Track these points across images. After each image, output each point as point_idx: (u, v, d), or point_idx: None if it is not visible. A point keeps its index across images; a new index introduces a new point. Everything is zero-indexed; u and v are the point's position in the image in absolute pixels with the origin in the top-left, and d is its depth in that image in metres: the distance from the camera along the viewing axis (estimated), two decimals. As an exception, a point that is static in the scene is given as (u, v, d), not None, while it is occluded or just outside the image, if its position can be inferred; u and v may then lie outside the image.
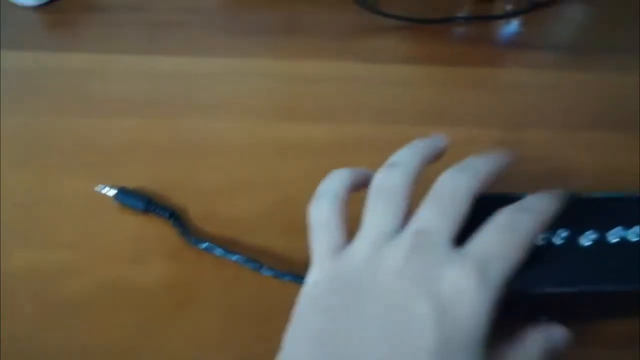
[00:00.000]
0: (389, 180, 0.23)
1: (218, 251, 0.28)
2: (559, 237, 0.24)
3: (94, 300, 0.27)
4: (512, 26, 0.45)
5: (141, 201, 0.30)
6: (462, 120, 0.37)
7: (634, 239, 0.24)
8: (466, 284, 0.20)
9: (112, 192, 0.31)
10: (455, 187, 0.23)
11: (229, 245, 0.29)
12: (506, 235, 0.21)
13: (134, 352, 0.26)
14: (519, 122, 0.37)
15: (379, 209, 0.23)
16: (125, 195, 0.31)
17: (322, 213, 0.23)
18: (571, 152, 0.35)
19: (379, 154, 0.35)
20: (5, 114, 0.35)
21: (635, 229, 0.24)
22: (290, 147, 0.34)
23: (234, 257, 0.28)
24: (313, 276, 0.23)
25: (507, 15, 0.45)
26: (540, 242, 0.24)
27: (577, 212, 0.24)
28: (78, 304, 0.27)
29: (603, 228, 0.24)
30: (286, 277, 0.27)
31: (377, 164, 0.34)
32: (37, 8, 0.42)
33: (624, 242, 0.24)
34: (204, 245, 0.29)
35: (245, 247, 0.29)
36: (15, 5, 0.42)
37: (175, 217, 0.30)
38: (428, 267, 0.20)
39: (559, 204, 0.23)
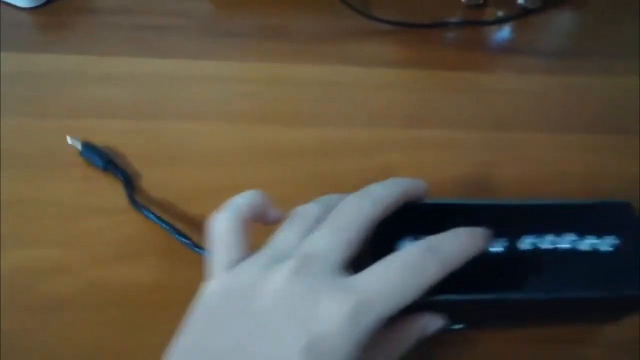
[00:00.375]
0: (308, 209, 0.23)
1: (152, 217, 0.30)
2: None
3: (81, 299, 0.27)
4: (503, 32, 0.45)
5: (102, 159, 0.32)
6: (452, 124, 0.37)
7: (545, 247, 0.23)
8: (339, 321, 0.19)
9: (79, 145, 0.33)
10: (352, 213, 0.22)
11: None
12: (403, 276, 0.20)
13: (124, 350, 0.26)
14: (508, 126, 0.37)
15: (285, 230, 0.23)
16: (90, 150, 0.33)
17: (221, 226, 0.23)
18: (560, 156, 0.35)
19: (367, 158, 0.35)
20: (3, 115, 0.35)
21: (549, 237, 0.24)
22: (278, 151, 0.34)
23: (166, 226, 0.30)
24: (205, 290, 0.22)
25: (498, 21, 0.45)
26: None
27: (490, 219, 0.24)
28: (65, 302, 0.27)
29: (514, 236, 0.24)
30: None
31: (364, 168, 0.34)
32: (31, 10, 0.42)
33: (536, 249, 0.23)
34: (145, 211, 0.30)
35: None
36: (10, 7, 0.42)
37: (128, 179, 0.32)
38: (307, 295, 0.20)
39: (478, 246, 0.22)
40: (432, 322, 0.23)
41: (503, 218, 0.24)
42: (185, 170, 0.33)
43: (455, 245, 0.21)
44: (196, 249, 0.29)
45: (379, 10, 0.44)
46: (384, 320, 0.19)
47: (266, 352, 0.19)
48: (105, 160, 0.32)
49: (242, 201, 0.24)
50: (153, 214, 0.30)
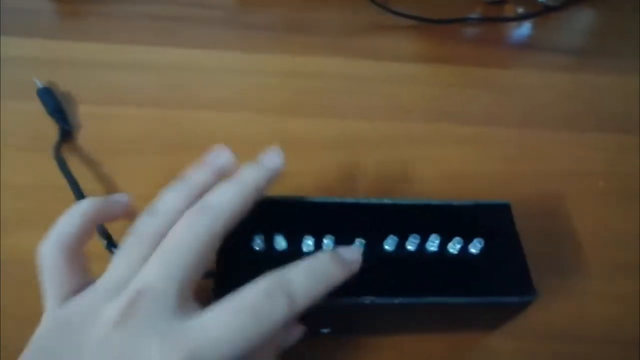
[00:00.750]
0: (145, 225, 0.20)
1: (65, 170, 0.30)
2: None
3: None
4: (523, 29, 0.45)
5: (52, 106, 0.34)
6: (471, 119, 0.37)
7: (411, 248, 0.23)
8: None
9: (39, 84, 0.35)
10: (186, 237, 0.19)
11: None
12: (244, 321, 0.18)
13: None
14: (527, 122, 0.37)
15: (124, 256, 0.20)
16: (46, 94, 0.35)
17: (48, 257, 0.20)
18: (579, 153, 0.35)
19: (387, 151, 0.35)
20: (13, 100, 0.35)
21: (414, 239, 0.23)
22: (297, 142, 0.35)
23: (73, 186, 0.29)
24: (39, 326, 0.20)
25: (519, 18, 0.45)
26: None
27: (356, 218, 0.23)
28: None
29: (378, 237, 0.23)
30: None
31: (383, 160, 0.34)
32: (53, -4, 0.43)
33: (401, 251, 0.22)
34: (61, 163, 0.30)
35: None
36: (31, -6, 0.42)
37: (66, 134, 0.33)
38: (134, 343, 0.17)
39: (339, 277, 0.20)
40: (289, 337, 0.22)
41: (369, 218, 0.23)
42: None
43: (310, 279, 0.19)
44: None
45: (401, 5, 0.44)
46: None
47: None
48: (55, 108, 0.34)
49: (64, 228, 0.21)
50: (67, 169, 0.30)
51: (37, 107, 0.35)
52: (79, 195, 0.29)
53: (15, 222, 0.30)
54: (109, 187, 0.31)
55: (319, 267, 0.20)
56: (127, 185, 0.32)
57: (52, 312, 0.19)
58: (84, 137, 0.34)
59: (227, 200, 0.20)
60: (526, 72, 0.41)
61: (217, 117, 0.36)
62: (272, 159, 0.23)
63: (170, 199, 0.21)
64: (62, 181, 0.30)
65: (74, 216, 0.21)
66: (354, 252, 0.21)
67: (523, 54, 0.43)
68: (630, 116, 0.38)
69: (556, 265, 0.30)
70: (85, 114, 0.35)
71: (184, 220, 0.20)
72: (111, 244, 0.26)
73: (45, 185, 0.31)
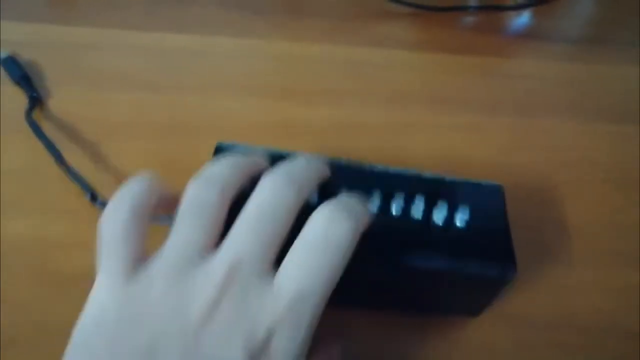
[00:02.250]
0: (204, 195, 0.20)
1: (43, 137, 0.31)
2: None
3: (94, 272, 0.27)
4: (523, 17, 0.44)
5: (18, 73, 0.34)
6: (469, 107, 0.37)
7: (395, 214, 0.23)
8: (279, 330, 0.17)
9: (2, 55, 0.35)
10: (277, 204, 0.19)
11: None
12: (320, 258, 0.18)
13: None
14: (527, 112, 0.37)
15: (186, 224, 0.19)
16: (10, 63, 0.35)
17: (118, 222, 0.19)
18: (577, 142, 0.35)
19: (384, 138, 0.35)
20: (5, 85, 0.35)
21: (399, 202, 0.23)
22: (293, 127, 0.34)
23: (54, 151, 0.30)
24: (101, 296, 0.18)
25: (518, 7, 0.45)
26: None
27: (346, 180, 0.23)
28: (80, 276, 0.27)
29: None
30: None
31: (381, 147, 0.34)
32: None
33: (385, 216, 0.23)
34: (36, 128, 0.31)
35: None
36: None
37: (35, 99, 0.33)
38: (240, 308, 0.17)
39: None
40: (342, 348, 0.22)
41: (356, 180, 0.24)
42: (199, 141, 0.33)
43: (357, 204, 0.20)
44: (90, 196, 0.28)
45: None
46: (321, 310, 0.18)
47: None
48: (20, 76, 0.34)
49: (138, 189, 0.20)
50: (44, 135, 0.30)
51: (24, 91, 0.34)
52: (58, 156, 0.29)
53: (10, 207, 0.29)
54: (100, 172, 0.31)
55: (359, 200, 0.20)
56: (119, 169, 0.31)
57: (118, 285, 0.18)
58: (74, 121, 0.33)
59: (309, 176, 0.21)
60: (524, 60, 0.41)
61: (210, 102, 0.35)
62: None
63: (220, 169, 0.21)
64: (52, 166, 0.30)
65: (145, 179, 0.20)
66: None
67: (522, 43, 0.42)
68: (629, 106, 0.38)
69: (550, 254, 0.29)
70: (74, 98, 0.34)
71: (272, 185, 0.20)
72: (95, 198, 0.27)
73: (34, 168, 0.31)
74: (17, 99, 0.34)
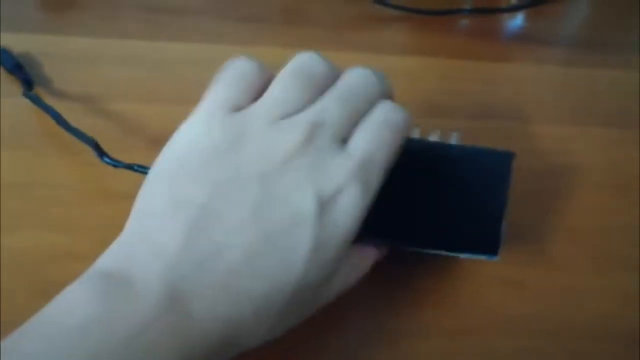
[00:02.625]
0: (314, 66, 0.23)
1: (43, 105, 0.31)
2: None
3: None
4: (517, 20, 0.44)
5: (8, 64, 0.35)
6: (466, 112, 0.36)
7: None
8: (349, 186, 0.20)
9: None
10: (364, 87, 0.23)
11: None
12: (384, 133, 0.22)
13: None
14: (522, 116, 0.36)
15: (290, 85, 0.22)
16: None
17: (240, 67, 0.23)
18: (577, 148, 0.35)
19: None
20: (4, 96, 0.34)
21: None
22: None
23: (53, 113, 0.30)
24: (198, 122, 0.22)
25: (513, 9, 0.44)
26: None
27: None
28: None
29: None
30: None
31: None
32: (35, -10, 0.42)
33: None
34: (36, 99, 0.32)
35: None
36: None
37: (30, 83, 0.34)
38: (317, 161, 0.20)
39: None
40: (380, 250, 0.25)
41: None
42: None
43: (399, 112, 0.23)
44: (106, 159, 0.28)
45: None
46: (382, 179, 0.21)
47: (278, 218, 0.19)
48: (14, 65, 0.35)
49: (257, 63, 0.24)
50: (43, 102, 0.31)
51: (19, 102, 0.34)
52: (59, 118, 0.30)
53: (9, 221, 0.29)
54: (95, 185, 0.31)
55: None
56: (114, 182, 0.31)
57: (217, 116, 0.21)
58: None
59: (382, 79, 0.25)
60: (520, 65, 0.40)
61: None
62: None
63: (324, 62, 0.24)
64: (52, 179, 0.30)
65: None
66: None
67: (516, 47, 0.42)
68: (626, 110, 0.37)
69: (548, 259, 0.29)
70: (70, 109, 0.34)
71: (362, 72, 0.23)
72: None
73: (33, 183, 0.30)
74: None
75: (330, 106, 0.22)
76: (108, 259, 0.20)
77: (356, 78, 0.23)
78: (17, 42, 0.37)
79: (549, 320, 0.27)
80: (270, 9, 0.42)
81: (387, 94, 0.24)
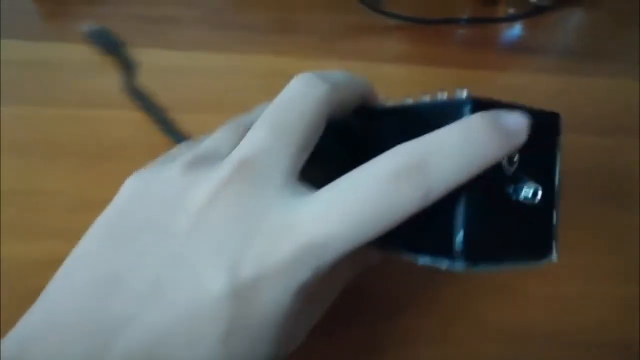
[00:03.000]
0: (253, 114, 0.18)
1: (145, 103, 0.31)
2: None
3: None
4: (515, 30, 0.44)
5: (108, 44, 0.35)
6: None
7: None
8: (278, 264, 0.14)
9: (91, 28, 0.36)
10: (302, 97, 0.16)
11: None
12: (364, 216, 0.14)
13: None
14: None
15: (217, 132, 0.19)
16: (100, 33, 0.36)
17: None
18: (572, 157, 0.35)
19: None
20: (3, 104, 0.35)
21: None
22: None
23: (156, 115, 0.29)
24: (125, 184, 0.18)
25: (510, 19, 0.45)
26: None
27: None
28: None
29: None
30: None
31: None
32: (35, -3, 0.42)
33: None
34: (137, 96, 0.31)
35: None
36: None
37: (131, 66, 0.34)
38: (240, 217, 0.14)
39: (502, 150, 0.15)
40: (369, 259, 0.20)
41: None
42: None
43: (457, 156, 0.14)
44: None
45: (391, 6, 0.43)
46: (339, 261, 0.14)
47: (177, 294, 0.14)
48: (114, 45, 0.36)
49: (346, 80, 0.18)
50: (146, 100, 0.30)
51: (18, 110, 0.34)
52: (166, 125, 0.30)
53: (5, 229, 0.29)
54: (91, 193, 0.31)
55: (471, 139, 0.14)
56: (111, 190, 0.31)
57: (147, 170, 0.18)
58: (67, 141, 0.33)
59: (344, 79, 0.18)
60: (517, 74, 0.40)
61: (204, 119, 0.35)
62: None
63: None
64: (54, 186, 0.30)
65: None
66: (519, 118, 0.15)
67: (514, 56, 0.42)
68: (621, 119, 0.37)
69: (544, 268, 0.29)
70: (67, 117, 0.34)
71: (297, 83, 0.17)
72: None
73: (28, 191, 0.30)
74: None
75: (258, 135, 0.16)
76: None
77: (292, 86, 0.17)
78: (16, 50, 0.38)
79: (541, 328, 0.27)
80: (266, 17, 0.42)
81: (345, 94, 0.18)
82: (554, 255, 0.18)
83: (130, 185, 0.18)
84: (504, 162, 0.16)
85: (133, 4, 0.42)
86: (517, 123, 0.15)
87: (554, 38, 0.44)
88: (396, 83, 0.39)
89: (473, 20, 0.44)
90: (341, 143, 0.20)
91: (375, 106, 0.20)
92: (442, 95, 0.19)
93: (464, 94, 0.18)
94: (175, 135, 0.28)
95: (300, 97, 0.17)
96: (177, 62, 0.38)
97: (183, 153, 0.18)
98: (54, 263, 0.28)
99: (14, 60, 0.37)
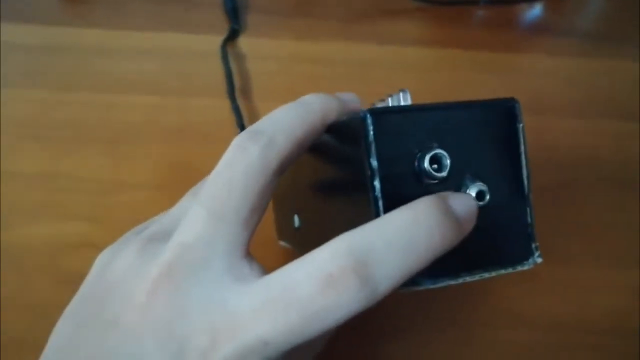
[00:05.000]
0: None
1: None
2: None
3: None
4: (534, 11, 0.44)
5: (228, 3, 0.39)
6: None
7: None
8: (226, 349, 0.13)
9: None
10: (233, 169, 0.15)
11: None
12: (297, 321, 0.13)
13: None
14: (538, 109, 0.36)
15: (184, 200, 0.18)
16: None
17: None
18: (591, 140, 0.35)
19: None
20: (17, 88, 0.35)
21: None
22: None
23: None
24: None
25: (529, 0, 0.44)
26: None
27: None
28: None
29: None
30: None
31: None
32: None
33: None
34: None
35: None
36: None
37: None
38: (182, 311, 0.14)
39: (454, 238, 0.14)
40: None
41: None
42: (211, 147, 0.33)
43: (402, 250, 0.13)
44: None
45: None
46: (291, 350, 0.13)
47: None
48: (231, 7, 0.39)
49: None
50: (227, 63, 0.35)
51: (35, 94, 0.34)
52: (231, 91, 0.34)
53: (22, 211, 0.30)
54: (112, 176, 0.31)
55: (417, 230, 0.13)
56: (132, 173, 0.31)
57: (109, 249, 0.17)
58: (84, 125, 0.33)
59: (285, 122, 0.16)
60: (535, 56, 0.40)
61: (219, 104, 0.35)
62: (346, 94, 0.19)
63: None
64: (75, 171, 0.30)
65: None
66: (467, 201, 0.15)
67: (532, 38, 0.41)
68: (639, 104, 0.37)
69: (553, 254, 0.29)
70: (84, 102, 0.35)
71: (229, 151, 0.15)
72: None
73: (49, 174, 0.31)
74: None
75: (196, 217, 0.15)
76: None
77: (229, 158, 0.15)
78: (32, 34, 0.38)
79: (555, 315, 0.27)
80: (285, 1, 0.42)
81: (286, 141, 0.16)
82: (537, 257, 0.17)
83: (96, 267, 0.17)
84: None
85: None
86: (466, 206, 0.14)
87: (574, 20, 0.43)
88: (414, 66, 0.38)
89: (492, 1, 0.43)
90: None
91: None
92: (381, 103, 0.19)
93: (383, 103, 0.18)
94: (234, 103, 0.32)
95: (231, 169, 0.15)
96: (191, 46, 0.38)
97: (146, 228, 0.17)
98: (76, 245, 0.28)
99: (33, 46, 0.38)
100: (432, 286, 0.15)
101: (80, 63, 0.37)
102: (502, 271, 0.16)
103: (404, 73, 0.38)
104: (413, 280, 0.14)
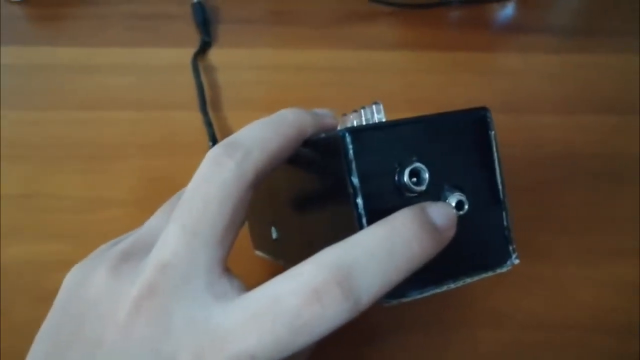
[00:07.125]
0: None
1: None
2: None
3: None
4: (507, 10, 0.44)
5: (199, 17, 0.40)
6: (454, 105, 0.36)
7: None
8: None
9: None
10: (208, 184, 0.15)
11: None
12: (281, 335, 0.13)
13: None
14: (515, 107, 0.36)
15: (157, 216, 0.18)
16: (197, 8, 0.39)
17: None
18: (570, 136, 0.35)
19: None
20: (3, 108, 0.34)
21: None
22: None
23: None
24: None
25: (501, -1, 0.45)
26: None
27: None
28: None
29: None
30: None
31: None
32: (23, 2, 0.42)
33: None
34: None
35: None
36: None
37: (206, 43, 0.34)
38: (165, 330, 0.14)
39: (433, 249, 0.14)
40: None
41: None
42: (189, 160, 0.33)
43: (384, 262, 0.13)
44: None
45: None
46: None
47: None
48: (202, 21, 0.39)
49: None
50: (199, 77, 0.35)
51: (12, 114, 0.34)
52: (202, 104, 0.34)
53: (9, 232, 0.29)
54: (92, 193, 0.31)
55: (398, 241, 0.14)
56: (111, 190, 0.31)
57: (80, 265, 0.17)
58: (64, 143, 0.33)
59: (260, 135, 0.16)
60: (511, 54, 0.40)
61: (195, 116, 0.35)
62: (321, 110, 0.19)
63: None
64: (56, 189, 0.30)
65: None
66: (446, 210, 0.15)
67: (507, 36, 0.42)
68: (619, 97, 0.37)
69: (541, 252, 0.29)
70: (64, 120, 0.34)
71: (204, 165, 0.15)
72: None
73: (28, 194, 0.30)
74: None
75: (172, 235, 0.15)
76: None
77: (202, 174, 0.15)
78: (6, 55, 0.38)
79: (538, 313, 0.27)
80: (261, 10, 0.42)
81: (261, 156, 0.16)
82: (514, 259, 0.17)
83: (68, 284, 0.17)
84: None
85: (121, 3, 0.42)
86: (444, 215, 0.15)
87: (548, 16, 0.44)
88: (391, 69, 0.39)
89: (464, 2, 0.44)
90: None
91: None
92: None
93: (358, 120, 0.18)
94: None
95: (207, 184, 0.15)
96: (168, 60, 0.38)
97: (118, 243, 0.17)
98: (55, 264, 0.28)
99: (9, 65, 0.37)
100: (419, 296, 0.15)
101: (55, 81, 0.36)
102: (484, 275, 0.17)
103: (381, 77, 0.38)
104: (400, 292, 0.15)
